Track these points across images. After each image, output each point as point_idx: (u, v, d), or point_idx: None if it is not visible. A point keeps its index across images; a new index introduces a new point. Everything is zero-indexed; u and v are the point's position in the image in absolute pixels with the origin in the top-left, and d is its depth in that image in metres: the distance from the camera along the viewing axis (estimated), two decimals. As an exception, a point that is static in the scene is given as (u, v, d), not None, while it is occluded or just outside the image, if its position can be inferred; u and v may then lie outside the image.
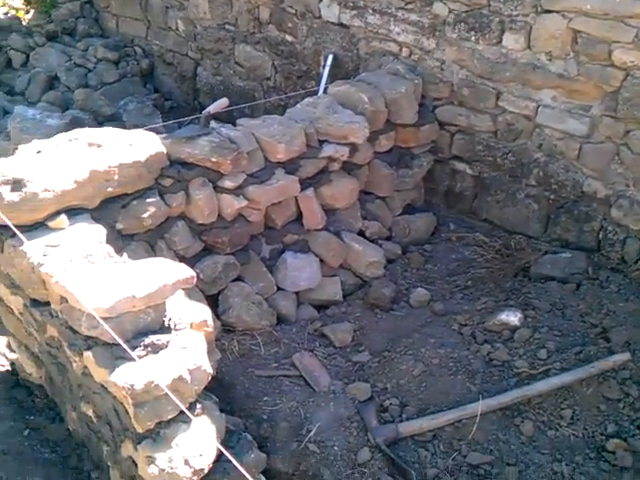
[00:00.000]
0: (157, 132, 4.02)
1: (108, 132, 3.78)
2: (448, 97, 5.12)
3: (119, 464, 3.08)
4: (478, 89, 4.93)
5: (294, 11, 6.03)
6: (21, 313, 3.54)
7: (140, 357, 2.73)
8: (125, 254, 3.51)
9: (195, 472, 2.72)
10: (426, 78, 5.12)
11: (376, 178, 4.94)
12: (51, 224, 3.24)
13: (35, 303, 3.25)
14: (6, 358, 4.13)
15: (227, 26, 6.78)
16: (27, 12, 8.58)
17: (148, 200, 3.75)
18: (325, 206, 4.61)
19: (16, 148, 3.58)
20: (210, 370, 2.89)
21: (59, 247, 3.09)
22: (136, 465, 2.84)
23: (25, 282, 3.21)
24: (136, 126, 4.41)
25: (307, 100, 4.80)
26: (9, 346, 4.11)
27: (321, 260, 4.58)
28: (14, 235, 3.11)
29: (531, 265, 4.64)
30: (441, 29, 5.00)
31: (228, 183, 4.07)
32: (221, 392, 3.53)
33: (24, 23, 8.43)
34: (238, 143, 4.08)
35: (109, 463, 3.20)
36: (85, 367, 2.92)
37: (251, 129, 4.30)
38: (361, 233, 4.86)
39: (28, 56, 7.89)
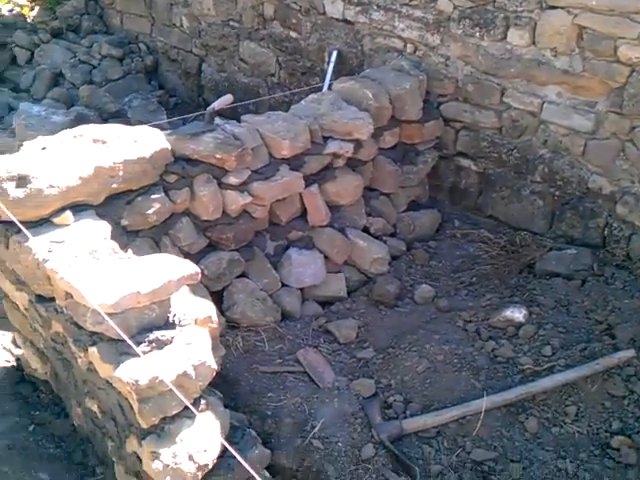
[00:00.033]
0: (162, 128, 4.02)
1: (113, 128, 3.78)
2: (453, 93, 5.11)
3: (124, 459, 3.09)
4: (483, 85, 4.92)
5: (298, 7, 6.03)
6: (26, 309, 3.55)
7: (145, 353, 2.74)
8: (130, 250, 3.52)
9: (199, 468, 2.73)
10: (431, 74, 5.11)
11: (380, 174, 4.93)
12: (56, 220, 3.25)
13: (40, 299, 3.26)
14: (11, 354, 4.14)
15: (231, 22, 6.79)
16: (32, 9, 8.59)
17: (153, 196, 3.76)
18: (329, 202, 4.61)
19: (21, 145, 3.59)
20: (214, 366, 2.89)
21: (64, 243, 3.10)
22: (140, 460, 2.85)
23: (30, 278, 3.22)
24: (141, 122, 4.40)
25: (311, 96, 4.79)
26: (14, 342, 4.12)
27: (325, 256, 4.58)
28: (19, 231, 3.12)
29: (536, 261, 4.63)
30: (446, 25, 4.99)
31: (232, 179, 4.07)
32: (225, 388, 3.53)
33: (29, 20, 8.44)
34: (242, 139, 4.08)
35: (114, 458, 3.21)
36: (90, 363, 2.93)
37: (255, 125, 4.30)
38: (365, 229, 4.86)
39: (33, 53, 7.92)
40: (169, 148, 3.83)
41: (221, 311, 4.10)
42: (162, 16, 7.62)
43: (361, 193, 4.78)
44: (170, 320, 2.92)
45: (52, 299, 3.17)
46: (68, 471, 3.44)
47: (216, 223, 4.13)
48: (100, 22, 8.40)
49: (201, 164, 3.98)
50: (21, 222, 3.07)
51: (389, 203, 5.04)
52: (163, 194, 3.81)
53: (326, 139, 4.49)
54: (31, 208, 3.18)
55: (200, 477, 2.76)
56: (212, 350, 2.94)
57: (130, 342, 2.63)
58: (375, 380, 3.80)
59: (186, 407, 2.72)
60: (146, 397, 2.68)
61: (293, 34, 6.19)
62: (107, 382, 2.87)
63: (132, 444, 2.91)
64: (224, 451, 2.83)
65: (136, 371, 2.66)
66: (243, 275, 4.29)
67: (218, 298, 4.13)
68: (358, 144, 4.61)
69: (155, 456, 2.71)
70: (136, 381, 2.63)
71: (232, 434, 3.05)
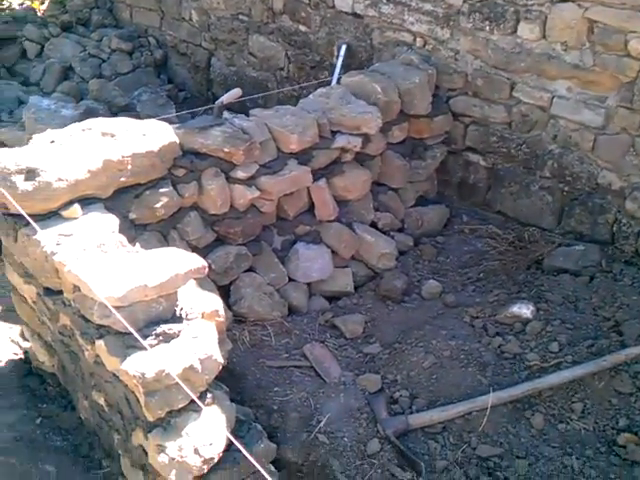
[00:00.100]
0: (170, 122, 4.02)
1: (121, 122, 3.78)
2: (462, 88, 5.09)
3: (130, 452, 3.10)
4: (492, 80, 4.90)
5: (308, 1, 6.01)
6: (34, 302, 3.57)
7: (151, 346, 2.74)
8: (138, 244, 3.53)
9: (205, 461, 2.74)
10: (440, 68, 5.09)
11: (389, 169, 4.92)
12: (64, 213, 3.26)
13: (48, 292, 3.28)
14: (19, 346, 4.16)
15: (241, 16, 6.78)
16: (42, 3, 8.62)
17: (161, 190, 3.76)
18: (337, 197, 4.60)
19: (30, 138, 3.60)
20: (221, 360, 2.90)
21: (72, 236, 3.11)
22: (146, 453, 2.86)
23: (38, 271, 3.23)
24: (150, 116, 4.40)
25: (320, 90, 4.78)
26: (22, 335, 4.14)
27: (333, 251, 4.57)
28: (28, 224, 3.13)
29: (544, 257, 4.61)
30: (455, 19, 4.96)
31: (240, 173, 4.07)
32: (232, 382, 3.54)
33: (39, 14, 8.47)
34: (251, 133, 4.08)
35: (120, 451, 3.22)
36: (97, 356, 2.95)
37: (264, 119, 4.30)
38: (373, 224, 4.85)
39: (43, 47, 7.94)
40: (177, 142, 3.84)
41: (228, 305, 4.11)
42: (172, 10, 7.62)
43: (369, 188, 4.78)
44: (177, 314, 2.93)
45: (60, 292, 3.18)
46: (74, 463, 3.46)
47: (224, 217, 4.13)
48: (110, 16, 8.41)
49: (209, 158, 3.99)
50: (30, 215, 3.08)
51: (397, 198, 5.03)
52: (171, 188, 3.82)
53: (334, 133, 4.48)
54: (40, 201, 3.20)
55: (206, 470, 2.77)
56: (219, 344, 2.94)
57: (137, 335, 2.63)
58: (381, 375, 3.80)
59: (192, 401, 2.73)
60: (152, 390, 2.69)
61: (302, 28, 6.17)
62: (114, 375, 2.88)
63: (138, 437, 2.92)
64: (230, 445, 2.84)
65: (143, 364, 2.67)
66: (250, 269, 4.29)
67: (225, 292, 4.14)
68: (366, 138, 4.60)
69: (161, 449, 2.73)
70: (143, 374, 2.64)
71: (238, 428, 3.05)
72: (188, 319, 2.94)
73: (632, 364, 3.67)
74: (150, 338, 2.76)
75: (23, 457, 3.43)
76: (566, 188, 4.79)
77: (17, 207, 3.09)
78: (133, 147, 3.58)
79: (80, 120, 3.89)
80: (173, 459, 2.70)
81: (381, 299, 4.46)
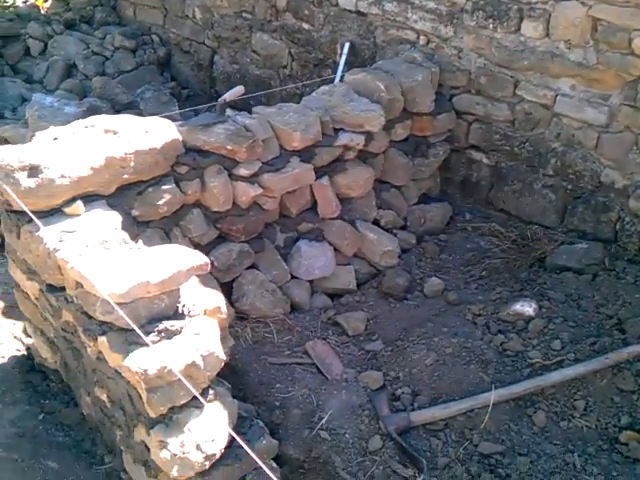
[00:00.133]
0: (173, 120, 4.03)
1: (124, 119, 3.79)
2: (465, 86, 5.08)
3: (132, 448, 3.11)
4: (496, 78, 4.89)
5: (311, -1, 6.01)
6: (37, 298, 3.58)
7: (154, 342, 2.75)
8: (140, 241, 3.53)
9: (207, 457, 2.75)
10: (443, 66, 5.08)
11: (392, 167, 4.92)
12: (67, 210, 3.27)
13: (51, 288, 3.28)
14: (22, 343, 4.17)
15: (244, 14, 6.77)
16: (46, 0, 8.61)
17: (164, 187, 3.76)
18: (340, 195, 4.60)
19: (33, 135, 3.60)
20: (223, 356, 2.91)
21: (75, 233, 3.12)
22: (149, 450, 2.87)
23: (41, 267, 3.24)
24: (153, 114, 4.41)
25: (323, 88, 4.78)
26: (25, 331, 4.15)
27: (335, 249, 4.58)
28: (30, 221, 3.14)
29: (547, 256, 4.61)
30: (459, 17, 4.95)
31: (243, 171, 4.07)
32: (234, 379, 3.55)
33: (43, 11, 8.46)
34: (253, 131, 4.08)
35: (122, 447, 3.23)
36: (99, 352, 2.95)
37: (267, 117, 4.30)
38: (376, 222, 4.85)
39: (46, 44, 7.93)
40: (180, 139, 3.84)
41: (230, 302, 4.11)
42: (175, 7, 7.61)
43: (372, 185, 4.77)
44: (179, 310, 2.93)
45: (62, 289, 3.19)
46: (77, 459, 3.46)
47: (226, 214, 4.13)
48: (113, 14, 8.41)
49: (212, 155, 3.99)
50: (32, 212, 3.09)
51: (400, 196, 5.03)
52: (174, 185, 3.82)
53: (337, 131, 4.48)
54: (42, 198, 3.20)
55: (207, 467, 2.78)
56: (221, 341, 2.95)
57: (139, 332, 2.64)
58: (383, 372, 3.81)
59: (194, 397, 2.73)
60: (155, 387, 2.70)
61: (306, 26, 6.17)
62: (116, 371, 2.89)
63: (140, 433, 2.93)
64: (232, 441, 2.85)
65: (145, 361, 2.68)
66: (253, 267, 4.30)
67: (228, 289, 4.15)
68: (369, 136, 4.60)
69: (163, 445, 2.73)
70: (145, 371, 2.65)
71: (240, 424, 3.06)
72: (190, 316, 2.94)
73: (635, 362, 3.66)
74: (152, 335, 2.77)
75: (25, 453, 3.44)
76: (569, 186, 4.78)
77: (20, 204, 3.10)
78: (136, 144, 3.59)
79: (83, 117, 3.90)
80: (175, 455, 2.71)
81: (383, 297, 4.46)
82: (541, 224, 4.93)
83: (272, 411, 3.58)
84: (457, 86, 5.12)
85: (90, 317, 2.92)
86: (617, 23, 4.19)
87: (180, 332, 2.84)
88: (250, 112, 4.39)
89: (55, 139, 3.50)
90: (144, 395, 2.71)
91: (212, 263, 3.45)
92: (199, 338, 2.83)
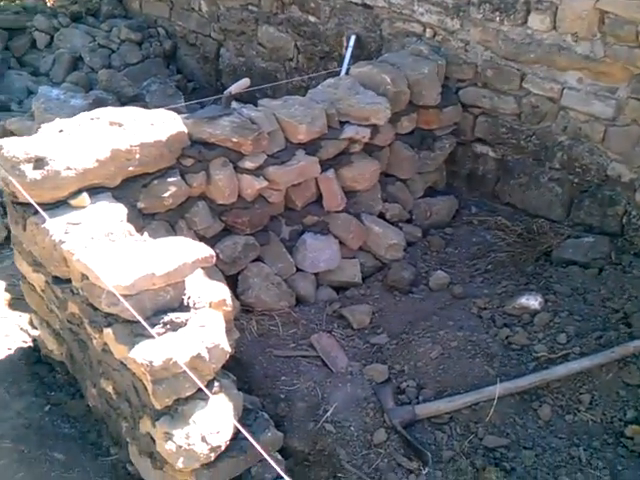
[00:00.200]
0: (179, 112, 4.03)
1: (130, 111, 3.79)
2: (472, 78, 5.06)
3: (137, 440, 3.12)
4: (502, 70, 4.87)
5: (317, -9, 5.99)
6: (43, 290, 3.59)
7: (159, 334, 2.76)
8: (145, 233, 3.53)
9: (212, 449, 2.76)
10: (450, 59, 5.06)
11: (397, 160, 4.91)
12: (73, 202, 3.27)
13: (57, 280, 3.29)
14: (28, 335, 4.19)
15: (250, 7, 6.76)
16: (52, -7, 8.63)
17: (169, 180, 3.77)
18: (345, 188, 4.59)
19: (39, 127, 3.61)
20: (228, 349, 2.91)
21: (80, 225, 3.12)
22: (154, 441, 2.88)
23: (47, 259, 3.25)
24: (158, 107, 4.40)
25: (329, 81, 4.77)
26: (31, 323, 4.17)
27: (341, 242, 4.57)
28: (36, 213, 3.15)
29: (553, 249, 4.59)
30: (465, 9, 4.93)
31: (249, 164, 4.07)
32: (239, 371, 3.56)
33: (49, 4, 8.47)
34: (259, 124, 4.07)
35: (128, 439, 3.24)
36: (105, 344, 2.96)
37: (272, 110, 4.29)
38: (381, 215, 4.84)
39: (52, 37, 7.93)
40: (186, 131, 3.84)
41: (236, 295, 4.12)
42: (181, 0, 7.60)
43: (377, 178, 4.76)
44: (185, 302, 2.94)
45: (68, 280, 3.20)
46: (83, 451, 3.48)
47: (232, 207, 4.13)
48: (119, 6, 8.40)
49: (217, 148, 3.99)
50: (38, 204, 3.10)
51: (405, 189, 5.02)
52: (179, 177, 3.82)
53: (343, 124, 4.47)
54: (48, 190, 3.21)
55: (213, 458, 2.79)
56: (226, 333, 2.96)
57: (145, 324, 2.65)
58: (388, 365, 3.81)
59: (199, 389, 2.74)
60: (160, 378, 2.70)
61: (312, 18, 6.15)
62: (122, 363, 2.90)
63: (146, 425, 2.94)
64: (237, 433, 2.86)
65: (150, 352, 2.68)
66: (258, 259, 4.30)
67: (233, 282, 4.15)
68: (375, 129, 4.58)
69: (168, 437, 2.74)
70: (150, 362, 2.65)
71: (245, 417, 3.07)
72: (196, 308, 2.95)
73: (640, 356, 3.66)
74: (158, 326, 2.78)
75: (32, 444, 3.46)
76: (576, 180, 4.76)
77: (26, 196, 3.10)
78: (141, 137, 3.59)
79: (89, 110, 3.90)
80: (180, 447, 2.72)
81: (389, 290, 4.46)
82: (547, 218, 4.92)
83: (277, 403, 3.59)
84: (463, 79, 5.10)
85: (96, 309, 2.93)
86: (624, 16, 4.16)
87: (185, 324, 2.85)
88: (256, 105, 4.38)
89: (61, 131, 3.50)
90: (149, 387, 2.72)
91: (217, 256, 3.46)
92: (204, 330, 2.84)
